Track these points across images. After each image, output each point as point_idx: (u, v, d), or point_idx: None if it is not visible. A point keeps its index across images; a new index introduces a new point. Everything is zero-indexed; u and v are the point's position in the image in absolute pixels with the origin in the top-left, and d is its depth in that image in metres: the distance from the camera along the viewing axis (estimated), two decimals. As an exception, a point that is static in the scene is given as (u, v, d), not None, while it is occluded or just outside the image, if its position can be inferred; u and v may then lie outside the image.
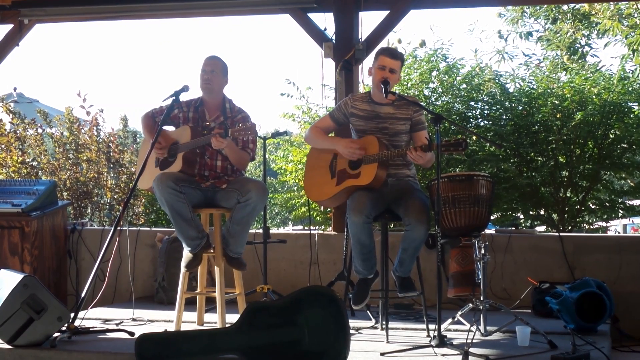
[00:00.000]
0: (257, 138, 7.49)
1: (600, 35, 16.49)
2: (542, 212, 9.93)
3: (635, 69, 13.14)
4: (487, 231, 7.69)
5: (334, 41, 8.24)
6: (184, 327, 6.15)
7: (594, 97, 9.31)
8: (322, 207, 9.10)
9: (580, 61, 15.49)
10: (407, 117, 6.06)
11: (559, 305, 6.15)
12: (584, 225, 10.09)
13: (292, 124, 10.69)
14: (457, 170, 9.19)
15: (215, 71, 6.32)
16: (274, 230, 9.54)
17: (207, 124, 6.27)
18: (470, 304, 5.78)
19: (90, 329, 5.90)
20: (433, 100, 9.75)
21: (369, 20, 8.29)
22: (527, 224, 10.08)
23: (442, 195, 5.63)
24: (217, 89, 6.36)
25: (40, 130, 11.06)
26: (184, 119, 6.37)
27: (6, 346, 5.33)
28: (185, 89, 6.13)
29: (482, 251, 5.61)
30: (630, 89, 9.46)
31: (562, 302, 6.12)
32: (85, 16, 9.42)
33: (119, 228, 5.73)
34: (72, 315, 5.51)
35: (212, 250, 6.17)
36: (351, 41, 8.16)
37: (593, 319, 6.04)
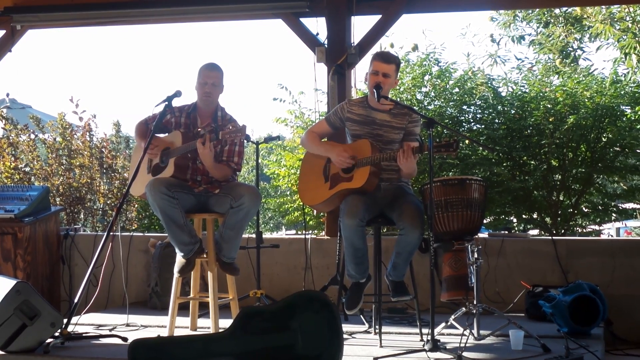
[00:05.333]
0: (250, 143, 7.49)
1: (593, 39, 16.50)
2: (535, 216, 9.94)
3: (628, 72, 13.18)
4: (480, 235, 7.69)
5: (326, 46, 8.24)
6: (177, 333, 6.15)
7: (586, 100, 9.33)
8: (315, 212, 9.10)
9: (572, 65, 15.50)
10: (402, 126, 6.06)
11: (552, 308, 6.16)
12: (577, 228, 10.10)
13: (284, 128, 10.71)
14: (450, 174, 9.20)
15: (216, 84, 6.32)
16: (267, 235, 9.54)
17: (198, 129, 6.25)
18: (464, 308, 5.78)
19: (84, 335, 5.90)
20: (425, 104, 9.77)
21: (361, 25, 8.29)
22: (520, 228, 10.09)
23: (435, 199, 5.63)
24: (215, 100, 6.38)
25: (32, 136, 11.05)
26: (176, 124, 6.36)
27: (-1, 352, 5.33)
28: (177, 94, 6.13)
29: (475, 255, 5.61)
30: (622, 92, 9.48)
31: (556, 305, 6.13)
32: (77, 22, 9.40)
33: (112, 233, 5.72)
34: (65, 321, 5.50)
35: (205, 256, 6.17)
36: (343, 46, 8.16)
37: (586, 323, 6.04)
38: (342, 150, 6.01)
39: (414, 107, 8.68)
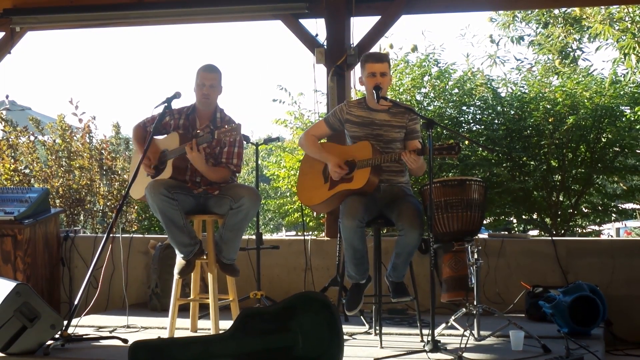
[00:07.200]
0: (250, 144, 7.49)
1: (592, 39, 16.50)
2: (534, 216, 9.94)
3: (627, 73, 13.17)
4: (480, 235, 7.69)
5: (325, 47, 8.23)
6: (178, 334, 6.14)
7: (585, 101, 9.34)
8: (314, 213, 9.09)
9: (571, 65, 15.49)
10: (402, 125, 6.06)
11: (552, 309, 6.16)
12: (577, 229, 10.11)
13: (284, 129, 10.72)
14: (450, 174, 9.21)
15: (214, 85, 6.31)
16: (267, 236, 9.53)
17: (198, 131, 6.25)
18: (464, 309, 5.77)
19: (84, 337, 5.90)
20: (425, 105, 9.76)
21: (360, 26, 8.30)
22: (520, 228, 10.09)
23: (434, 200, 5.63)
24: (214, 101, 6.36)
25: (32, 138, 11.05)
26: (175, 126, 6.35)
27: (-1, 354, 5.33)
28: (177, 95, 6.12)
29: (475, 256, 5.60)
30: (621, 92, 9.49)
31: (556, 306, 6.13)
32: (77, 23, 9.40)
33: (111, 235, 5.72)
34: (65, 322, 5.51)
35: (205, 257, 6.16)
36: (343, 47, 8.16)
37: (586, 323, 6.04)
38: (337, 163, 5.98)
39: (414, 108, 8.68)
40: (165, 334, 6.12)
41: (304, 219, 8.94)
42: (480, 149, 9.27)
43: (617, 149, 9.46)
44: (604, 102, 9.26)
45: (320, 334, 4.77)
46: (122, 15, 9.01)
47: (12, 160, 10.70)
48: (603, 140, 9.43)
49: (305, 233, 8.36)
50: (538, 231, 10.18)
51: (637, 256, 7.31)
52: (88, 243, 8.46)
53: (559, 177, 9.48)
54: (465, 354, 5.08)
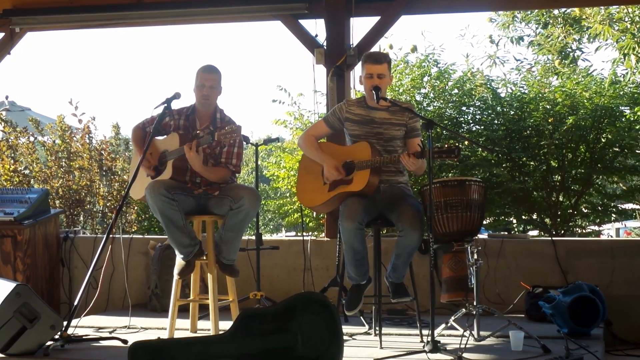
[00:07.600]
0: (249, 145, 7.48)
1: (592, 40, 16.50)
2: (534, 217, 9.94)
3: (627, 73, 13.17)
4: (480, 236, 7.69)
5: (325, 47, 8.23)
6: (177, 335, 6.14)
7: (585, 101, 9.34)
8: (314, 213, 9.09)
9: (571, 65, 15.49)
10: (402, 123, 6.06)
11: (552, 309, 6.16)
12: (577, 229, 10.11)
13: (284, 130, 10.72)
14: (450, 175, 9.21)
15: (214, 86, 6.30)
16: (266, 237, 9.52)
17: (198, 132, 6.25)
18: (464, 309, 5.77)
19: (84, 337, 5.89)
20: (425, 105, 9.76)
21: (360, 26, 8.28)
22: (520, 229, 10.09)
23: (434, 200, 5.63)
24: (214, 102, 6.36)
25: (32, 139, 11.05)
26: (175, 127, 6.34)
27: (-1, 355, 5.33)
28: (176, 96, 6.11)
29: (475, 256, 5.60)
30: (621, 93, 9.49)
31: (555, 306, 6.13)
32: (76, 24, 9.40)
33: (111, 236, 5.72)
34: (65, 323, 5.51)
35: (204, 257, 6.16)
36: (342, 47, 8.15)
37: (586, 323, 6.04)
38: (334, 165, 5.98)
39: (414, 108, 8.68)
40: (165, 335, 6.11)
41: (304, 219, 8.94)
42: (480, 149, 9.26)
43: (617, 149, 9.47)
44: (603, 102, 9.27)
45: (320, 334, 4.77)
46: (122, 16, 9.00)
47: (12, 161, 10.69)
48: (603, 140, 9.43)
49: (304, 233, 8.35)
50: (538, 231, 10.18)
51: (637, 256, 7.31)
52: (88, 244, 8.46)
53: (559, 178, 9.48)
54: (465, 355, 5.08)
